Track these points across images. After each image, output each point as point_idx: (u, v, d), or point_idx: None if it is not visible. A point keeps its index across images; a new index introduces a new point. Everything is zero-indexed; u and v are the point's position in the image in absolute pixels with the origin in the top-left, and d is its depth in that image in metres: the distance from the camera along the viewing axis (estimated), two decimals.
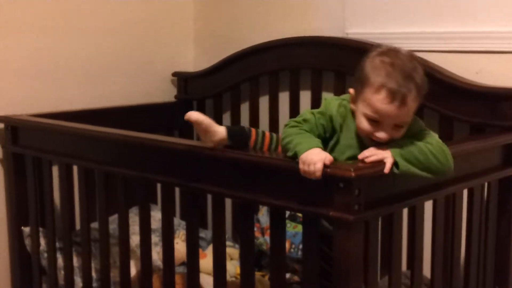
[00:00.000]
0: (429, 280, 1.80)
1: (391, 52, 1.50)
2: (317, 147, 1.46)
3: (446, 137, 2.05)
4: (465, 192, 1.86)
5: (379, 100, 1.45)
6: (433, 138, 1.55)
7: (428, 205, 1.71)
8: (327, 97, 1.64)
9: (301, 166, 1.44)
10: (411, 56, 1.52)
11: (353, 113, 1.58)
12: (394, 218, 1.59)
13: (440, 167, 1.52)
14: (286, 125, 1.59)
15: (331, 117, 1.58)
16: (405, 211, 1.66)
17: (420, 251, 1.68)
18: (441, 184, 1.68)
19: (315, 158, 1.42)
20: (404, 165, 1.45)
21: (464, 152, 1.78)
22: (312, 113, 1.58)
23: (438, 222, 1.73)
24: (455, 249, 1.80)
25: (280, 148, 1.64)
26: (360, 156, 1.47)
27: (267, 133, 1.73)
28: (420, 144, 1.50)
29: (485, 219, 1.93)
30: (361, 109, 1.49)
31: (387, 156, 1.45)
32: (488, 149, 1.89)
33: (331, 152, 1.54)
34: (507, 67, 2.02)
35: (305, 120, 1.56)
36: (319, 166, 1.40)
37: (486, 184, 1.93)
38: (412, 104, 1.47)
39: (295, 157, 1.47)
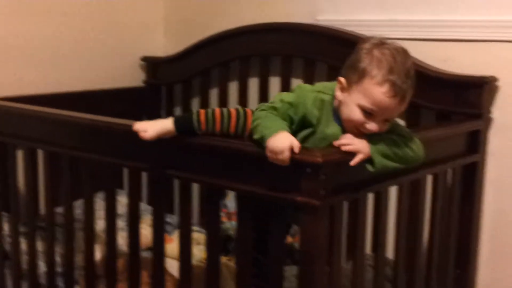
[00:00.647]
0: (392, 263, 1.82)
1: (390, 46, 1.48)
2: (283, 130, 1.45)
3: (412, 124, 2.07)
4: (430, 177, 1.88)
5: (382, 93, 1.43)
6: (404, 129, 1.56)
7: (394, 190, 1.73)
8: (301, 84, 1.61)
9: (269, 154, 1.43)
10: (407, 52, 1.50)
11: (334, 103, 1.54)
12: (360, 203, 1.61)
13: (415, 157, 1.54)
14: (257, 109, 1.58)
15: (304, 114, 1.54)
16: (371, 196, 1.67)
17: (384, 235, 1.70)
18: (406, 170, 1.68)
19: (281, 146, 1.41)
20: (380, 162, 1.47)
21: (429, 139, 1.80)
22: (282, 101, 1.55)
23: (402, 207, 1.75)
24: (418, 233, 1.83)
25: (249, 127, 1.60)
26: (337, 143, 1.47)
27: (233, 112, 1.65)
28: (395, 137, 1.51)
29: (449, 204, 1.96)
30: (356, 99, 1.46)
31: (362, 149, 1.46)
32: (453, 136, 1.92)
33: (303, 143, 1.52)
34: (474, 56, 2.04)
35: (274, 108, 1.54)
36: (287, 155, 1.41)
37: (450, 170, 1.96)
38: (407, 101, 1.48)
39: (261, 140, 1.46)
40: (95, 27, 2.72)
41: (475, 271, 2.08)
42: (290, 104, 1.54)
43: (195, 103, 2.80)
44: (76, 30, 2.67)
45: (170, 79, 2.85)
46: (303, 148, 1.44)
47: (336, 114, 1.54)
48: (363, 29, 2.24)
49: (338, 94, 1.51)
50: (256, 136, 1.50)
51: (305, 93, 1.55)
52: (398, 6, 2.21)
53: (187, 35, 2.81)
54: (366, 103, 1.45)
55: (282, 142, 1.42)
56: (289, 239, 2.27)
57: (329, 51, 2.29)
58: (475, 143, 1.97)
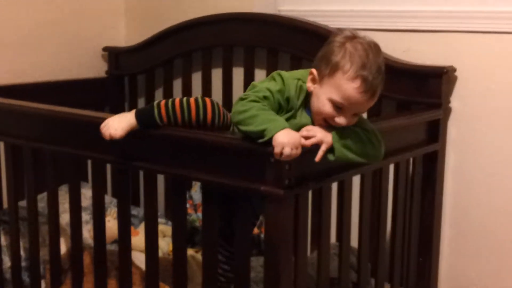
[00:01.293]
0: (356, 251, 1.86)
1: (362, 40, 1.49)
2: (286, 126, 1.43)
3: (373, 113, 2.11)
4: (392, 166, 1.92)
5: (353, 88, 1.44)
6: (368, 124, 1.57)
7: (356, 180, 1.76)
8: (281, 72, 1.58)
9: (280, 148, 1.39)
10: (379, 47, 1.51)
11: (308, 93, 1.55)
12: (324, 193, 1.63)
13: (375, 154, 1.56)
14: (243, 98, 1.51)
15: (288, 98, 1.54)
16: (334, 185, 1.70)
17: (348, 224, 1.73)
18: None
19: (298, 141, 1.41)
20: (340, 151, 1.48)
21: (391, 128, 1.84)
22: (270, 91, 1.52)
23: (365, 196, 1.78)
24: (381, 222, 1.87)
25: (209, 115, 1.57)
26: (302, 133, 1.47)
27: (192, 102, 1.59)
28: (359, 130, 1.52)
29: (410, 193, 2.00)
30: (327, 93, 1.47)
31: (324, 138, 1.47)
32: (413, 125, 1.96)
33: None
34: (433, 46, 2.08)
35: (265, 97, 1.51)
36: (300, 149, 1.41)
37: (411, 159, 2.00)
38: (378, 96, 1.49)
39: (260, 133, 1.43)
40: (56, 16, 2.68)
41: (437, 259, 2.13)
42: (279, 92, 1.53)
43: (158, 93, 2.79)
44: (36, 20, 2.62)
45: (133, 69, 2.82)
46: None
47: (307, 102, 1.55)
48: (324, 20, 2.26)
49: (309, 85, 1.53)
50: (251, 128, 1.45)
51: (288, 80, 1.55)
52: None
53: (149, 25, 2.79)
54: (336, 97, 1.46)
55: (294, 136, 1.41)
56: (256, 230, 2.29)
57: (292, 41, 2.31)
58: (435, 132, 2.01)
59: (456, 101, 2.05)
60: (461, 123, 2.06)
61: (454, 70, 2.03)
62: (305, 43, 2.26)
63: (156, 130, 1.64)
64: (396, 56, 2.10)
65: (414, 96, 2.02)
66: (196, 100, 1.58)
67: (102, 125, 1.64)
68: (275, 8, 2.42)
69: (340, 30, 1.55)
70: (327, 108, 1.48)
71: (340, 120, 1.48)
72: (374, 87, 1.46)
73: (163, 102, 1.61)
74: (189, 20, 2.58)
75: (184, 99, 1.60)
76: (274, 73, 1.58)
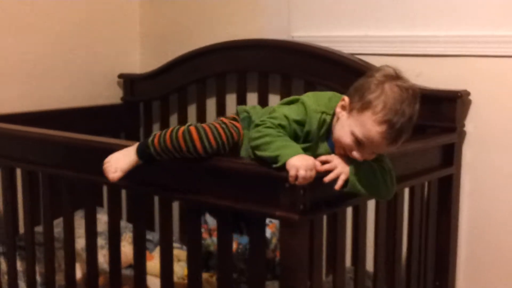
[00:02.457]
0: (372, 275, 1.85)
1: (402, 84, 1.44)
2: (300, 153, 1.43)
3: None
4: (407, 190, 1.91)
5: (378, 132, 1.41)
6: (387, 163, 1.55)
7: (371, 203, 1.76)
8: (305, 101, 1.52)
9: (295, 172, 1.39)
10: (417, 93, 1.47)
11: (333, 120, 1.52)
12: (338, 217, 1.63)
13: (386, 194, 1.54)
14: (259, 124, 1.50)
15: (308, 132, 1.52)
16: (349, 210, 1.70)
17: (363, 249, 1.73)
18: None
19: (311, 163, 1.41)
20: (353, 185, 1.47)
21: (405, 152, 1.83)
22: (287, 118, 1.50)
23: (380, 221, 1.78)
24: (397, 246, 1.86)
25: (198, 144, 1.54)
26: (321, 158, 1.46)
27: (180, 130, 1.58)
28: (376, 168, 1.51)
29: (426, 217, 1.99)
30: (352, 126, 1.44)
31: (343, 170, 1.46)
32: (428, 149, 1.95)
33: None
34: (446, 70, 2.09)
35: (281, 126, 1.49)
36: (315, 172, 1.41)
37: (426, 183, 1.99)
38: (401, 143, 1.48)
39: (274, 159, 1.43)
40: (72, 44, 2.72)
41: (453, 283, 2.11)
42: (297, 122, 1.51)
43: (173, 119, 2.81)
44: (52, 48, 2.66)
45: (148, 95, 2.85)
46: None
47: (329, 133, 1.53)
48: (337, 45, 2.28)
49: (338, 110, 1.49)
50: (266, 154, 1.45)
51: (312, 113, 1.51)
52: (371, 22, 2.26)
53: (163, 51, 2.83)
54: (359, 133, 1.43)
55: (308, 160, 1.41)
56: (271, 254, 2.29)
57: (305, 67, 2.32)
58: (450, 156, 2.01)
59: (471, 124, 2.05)
60: (475, 147, 2.05)
61: (468, 94, 2.03)
62: (319, 69, 2.27)
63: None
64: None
65: (428, 120, 2.02)
66: (183, 131, 1.56)
67: (105, 162, 1.65)
68: (288, 34, 2.45)
69: (385, 66, 1.49)
70: (348, 140, 1.45)
71: (357, 155, 1.46)
72: (399, 134, 1.43)
73: (156, 138, 1.60)
74: (203, 47, 2.61)
75: (175, 130, 1.58)
76: (299, 100, 1.53)
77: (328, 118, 1.51)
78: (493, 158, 2.03)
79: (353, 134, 1.44)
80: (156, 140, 1.60)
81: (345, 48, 2.27)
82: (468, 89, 2.03)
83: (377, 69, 1.49)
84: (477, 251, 2.09)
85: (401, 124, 1.42)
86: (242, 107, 1.68)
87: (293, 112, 1.52)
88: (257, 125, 1.51)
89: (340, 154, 1.49)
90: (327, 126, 1.52)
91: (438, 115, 2.01)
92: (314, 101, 1.52)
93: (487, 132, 2.03)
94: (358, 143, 1.44)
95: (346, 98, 1.47)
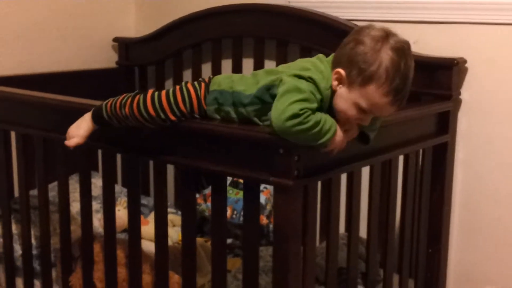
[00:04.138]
0: (366, 241, 1.86)
1: (395, 43, 1.42)
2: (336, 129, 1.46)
3: None
4: (401, 158, 1.92)
5: (386, 101, 1.42)
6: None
7: (366, 170, 1.76)
8: (317, 79, 1.44)
9: (334, 148, 1.47)
10: (410, 47, 1.47)
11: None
12: (333, 183, 1.64)
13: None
14: (299, 114, 1.39)
15: (321, 106, 1.48)
16: (344, 176, 1.70)
17: (357, 215, 1.74)
18: (377, 150, 1.73)
19: (343, 140, 1.48)
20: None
21: (400, 120, 1.83)
22: (316, 98, 1.44)
23: (374, 187, 1.79)
24: (390, 213, 1.87)
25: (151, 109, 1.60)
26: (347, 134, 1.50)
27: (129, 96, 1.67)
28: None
29: (420, 184, 2.00)
30: (355, 98, 1.43)
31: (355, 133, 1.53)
32: (423, 117, 1.95)
33: None
34: (443, 37, 2.07)
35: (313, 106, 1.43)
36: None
37: (421, 150, 2.00)
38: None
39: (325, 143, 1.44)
40: (67, 7, 2.69)
41: (446, 250, 2.13)
42: (321, 100, 1.46)
43: (168, 84, 2.80)
44: (46, 11, 2.63)
45: (143, 60, 2.83)
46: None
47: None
48: (334, 11, 2.26)
49: (335, 83, 1.46)
50: (321, 141, 1.43)
51: (324, 92, 1.45)
52: None
53: (159, 15, 2.80)
54: (365, 105, 1.43)
55: (340, 135, 1.46)
56: (265, 220, 2.30)
57: (301, 32, 2.31)
58: (445, 124, 2.01)
59: (467, 92, 2.05)
60: (471, 115, 2.05)
61: (464, 61, 2.02)
62: (315, 34, 2.26)
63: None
64: None
65: (424, 87, 2.02)
66: (151, 97, 1.62)
67: (66, 135, 1.74)
68: None
69: (370, 27, 1.46)
70: (353, 112, 1.45)
71: (365, 122, 1.48)
72: (404, 95, 1.45)
73: (109, 104, 1.69)
74: (198, 11, 2.59)
75: (129, 97, 1.65)
76: (310, 78, 1.44)
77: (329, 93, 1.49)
78: (489, 127, 2.03)
79: (358, 106, 1.44)
80: (109, 106, 1.68)
81: (342, 14, 2.25)
82: (465, 57, 2.02)
83: (363, 32, 1.45)
84: (470, 219, 2.11)
85: (405, 86, 1.44)
86: (215, 82, 1.62)
87: (313, 89, 1.44)
88: (295, 115, 1.39)
89: (344, 119, 1.49)
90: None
91: (433, 83, 2.01)
92: (320, 77, 1.46)
93: (483, 100, 2.03)
94: (364, 112, 1.45)
95: (342, 71, 1.44)
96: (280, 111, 1.39)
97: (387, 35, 1.44)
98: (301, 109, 1.38)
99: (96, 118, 1.71)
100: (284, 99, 1.40)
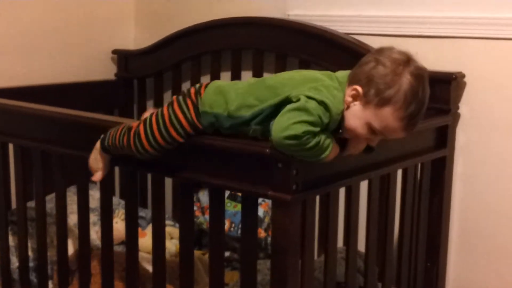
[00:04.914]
0: (364, 255, 1.86)
1: (415, 69, 1.43)
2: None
3: None
4: (400, 172, 1.91)
5: (399, 126, 1.43)
6: None
7: (364, 185, 1.76)
8: (329, 103, 1.41)
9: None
10: (428, 75, 1.48)
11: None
12: (331, 198, 1.63)
13: None
14: (308, 135, 1.37)
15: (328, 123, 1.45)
16: (342, 190, 1.70)
17: (355, 229, 1.73)
18: (376, 164, 1.73)
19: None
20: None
21: None
22: (322, 121, 1.41)
23: (373, 201, 1.78)
24: (389, 227, 1.86)
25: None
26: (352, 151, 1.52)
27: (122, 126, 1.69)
28: None
29: (418, 199, 2.00)
30: (368, 118, 1.43)
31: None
32: (422, 131, 1.95)
33: None
34: (441, 52, 2.08)
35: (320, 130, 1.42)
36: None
37: (419, 164, 2.00)
38: None
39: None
40: (66, 19, 2.70)
41: (445, 264, 2.12)
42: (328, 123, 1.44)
43: (167, 96, 2.80)
44: (46, 22, 2.64)
45: (142, 72, 2.84)
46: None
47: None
48: (332, 24, 2.27)
49: (349, 100, 1.45)
50: (317, 158, 1.43)
51: (334, 116, 1.44)
52: (365, 2, 2.24)
53: (158, 28, 2.81)
54: (378, 126, 1.43)
55: (336, 151, 1.46)
56: (263, 234, 2.30)
57: (300, 46, 2.31)
58: (444, 138, 2.01)
59: (465, 107, 2.05)
60: (469, 129, 2.06)
61: (463, 76, 2.03)
62: (314, 48, 2.26)
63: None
64: None
65: None
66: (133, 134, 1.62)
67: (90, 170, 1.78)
68: (284, 12, 2.43)
69: (391, 50, 1.45)
70: (364, 131, 1.45)
71: (373, 143, 1.50)
72: (417, 122, 1.45)
73: (110, 136, 1.69)
74: (198, 24, 2.59)
75: (124, 133, 1.65)
76: (322, 102, 1.40)
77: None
78: (487, 141, 2.03)
79: (370, 126, 1.44)
80: (110, 139, 1.69)
81: (341, 28, 2.26)
82: (464, 71, 2.03)
83: (384, 53, 1.44)
84: (469, 234, 2.10)
85: (420, 112, 1.44)
86: (205, 103, 1.55)
87: (323, 115, 1.41)
88: (296, 137, 1.37)
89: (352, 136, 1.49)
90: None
91: (432, 97, 1.94)
92: (332, 102, 1.43)
93: (481, 114, 2.04)
94: (374, 132, 1.45)
95: (359, 89, 1.43)
96: (283, 128, 1.37)
97: (409, 59, 1.44)
98: (304, 132, 1.36)
99: (103, 149, 1.73)
100: (290, 116, 1.38)
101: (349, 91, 1.45)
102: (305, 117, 1.37)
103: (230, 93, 1.54)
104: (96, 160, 1.75)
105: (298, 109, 1.39)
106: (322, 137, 1.40)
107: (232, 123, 1.53)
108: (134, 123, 1.64)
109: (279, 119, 1.40)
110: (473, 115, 2.05)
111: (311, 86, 1.44)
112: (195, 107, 1.56)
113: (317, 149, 1.40)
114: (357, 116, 1.44)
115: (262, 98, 1.49)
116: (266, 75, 2.46)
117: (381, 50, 1.46)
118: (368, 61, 1.45)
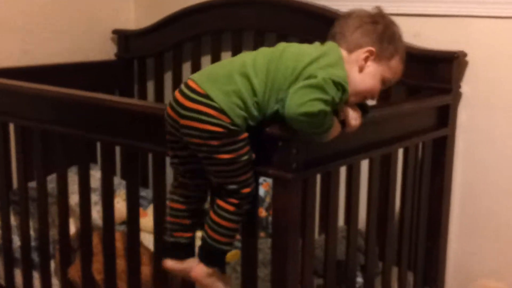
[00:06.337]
0: (364, 234, 1.86)
1: (391, 19, 1.62)
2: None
3: (383, 98, 2.10)
4: (401, 151, 1.91)
5: (401, 67, 1.60)
6: None
7: (365, 164, 1.76)
8: (346, 83, 1.45)
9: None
10: None
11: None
12: (332, 177, 1.63)
13: None
14: (322, 114, 1.40)
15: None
16: (343, 169, 1.70)
17: (356, 207, 1.74)
18: (377, 143, 1.73)
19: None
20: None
21: (400, 113, 1.84)
22: (333, 98, 1.42)
23: (373, 180, 1.78)
24: (389, 206, 1.86)
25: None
26: (355, 123, 1.52)
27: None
28: None
29: (419, 178, 2.00)
30: (383, 72, 1.55)
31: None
32: (423, 110, 1.95)
33: None
34: (444, 31, 2.07)
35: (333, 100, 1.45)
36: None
37: (420, 144, 1.99)
38: None
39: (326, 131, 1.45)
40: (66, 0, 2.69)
41: (445, 243, 2.13)
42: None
43: (168, 76, 2.79)
44: (45, 2, 2.62)
45: (142, 52, 2.82)
46: (275, 122, 1.46)
47: None
48: (335, 3, 2.24)
49: (362, 63, 1.53)
50: (321, 136, 1.45)
51: (344, 98, 1.48)
52: None
53: (158, 7, 2.79)
54: (390, 76, 1.57)
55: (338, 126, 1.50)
56: (264, 213, 2.30)
57: (301, 25, 2.30)
58: (445, 117, 2.01)
59: (467, 86, 2.04)
60: (471, 108, 2.05)
61: (464, 55, 2.01)
62: (315, 27, 2.25)
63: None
64: (406, 40, 2.08)
65: (424, 81, 2.01)
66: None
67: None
68: None
69: (361, 9, 1.59)
70: (379, 85, 1.56)
71: (376, 95, 1.57)
72: None
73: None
74: (198, 3, 2.58)
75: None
76: (340, 83, 1.44)
77: None
78: (489, 120, 2.02)
79: (383, 78, 1.56)
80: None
81: (343, 7, 2.23)
82: (466, 50, 2.01)
83: (367, 13, 1.57)
84: (470, 212, 2.11)
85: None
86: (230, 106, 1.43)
87: (336, 95, 1.44)
88: (312, 114, 1.39)
89: (361, 98, 1.56)
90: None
91: (434, 76, 2.00)
92: (345, 80, 1.47)
93: (483, 93, 2.03)
94: (383, 84, 1.58)
95: (373, 49, 1.53)
96: (298, 104, 1.38)
97: (380, 11, 1.60)
98: (319, 110, 1.38)
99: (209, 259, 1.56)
100: (306, 92, 1.39)
101: (361, 55, 1.52)
102: (321, 95, 1.39)
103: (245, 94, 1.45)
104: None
105: (315, 86, 1.40)
106: (330, 116, 1.43)
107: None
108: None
109: (294, 95, 1.40)
110: (474, 94, 2.04)
111: (324, 64, 1.46)
112: (226, 135, 1.45)
113: (326, 127, 1.43)
114: (372, 75, 1.54)
115: (266, 75, 1.46)
116: None
117: (357, 13, 1.58)
118: (361, 24, 1.55)
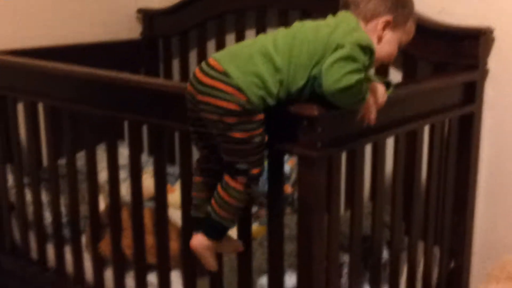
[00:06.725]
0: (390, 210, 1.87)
1: None
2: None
3: (409, 75, 2.10)
4: (427, 128, 1.91)
5: (414, 29, 1.62)
6: None
7: (390, 141, 1.76)
8: (373, 48, 1.47)
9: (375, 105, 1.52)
10: None
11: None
12: (357, 155, 1.64)
13: None
14: (359, 83, 1.42)
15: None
16: (368, 147, 1.71)
17: (381, 185, 1.74)
18: (402, 120, 1.73)
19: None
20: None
21: (426, 90, 1.82)
22: (364, 64, 1.44)
23: (399, 158, 1.78)
24: (415, 182, 1.87)
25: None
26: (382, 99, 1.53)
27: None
28: None
29: (446, 155, 2.00)
30: (399, 37, 1.58)
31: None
32: (449, 87, 1.94)
33: None
34: (469, 6, 2.04)
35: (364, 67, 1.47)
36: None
37: (447, 121, 1.99)
38: None
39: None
40: None
41: (472, 217, 2.12)
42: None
43: (192, 55, 2.80)
44: None
45: (167, 31, 2.84)
46: (300, 101, 1.47)
47: None
48: None
49: (380, 33, 1.54)
50: (363, 97, 1.46)
51: (371, 44, 1.50)
52: None
53: None
54: (406, 40, 1.60)
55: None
56: (290, 189, 2.32)
57: (325, 3, 2.28)
58: (472, 93, 1.99)
59: (494, 62, 2.02)
60: (498, 85, 2.03)
61: (491, 31, 1.99)
62: (337, 5, 2.23)
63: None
64: (430, 16, 2.07)
65: (450, 58, 2.00)
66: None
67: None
68: None
69: None
70: (396, 50, 1.59)
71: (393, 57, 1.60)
72: None
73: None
74: None
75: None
76: (367, 47, 1.45)
77: None
78: None
79: (400, 43, 1.59)
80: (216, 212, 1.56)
81: None
82: (492, 26, 1.99)
83: None
84: (496, 188, 2.10)
85: None
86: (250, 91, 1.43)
87: (365, 61, 1.46)
88: (351, 87, 1.41)
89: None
90: None
91: (460, 53, 1.98)
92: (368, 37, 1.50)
93: (510, 70, 2.01)
94: (399, 48, 1.60)
95: (390, 18, 1.54)
96: (335, 80, 1.40)
97: None
98: (356, 81, 1.40)
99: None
100: (340, 66, 1.40)
101: (379, 25, 1.54)
102: (353, 65, 1.41)
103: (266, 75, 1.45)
104: (204, 257, 1.61)
105: (345, 58, 1.41)
106: (365, 82, 1.46)
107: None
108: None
109: (328, 71, 1.41)
110: (501, 71, 2.02)
111: (348, 29, 1.47)
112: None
113: (364, 94, 1.46)
114: (391, 42, 1.57)
115: (294, 56, 1.46)
116: None
117: None
118: None
